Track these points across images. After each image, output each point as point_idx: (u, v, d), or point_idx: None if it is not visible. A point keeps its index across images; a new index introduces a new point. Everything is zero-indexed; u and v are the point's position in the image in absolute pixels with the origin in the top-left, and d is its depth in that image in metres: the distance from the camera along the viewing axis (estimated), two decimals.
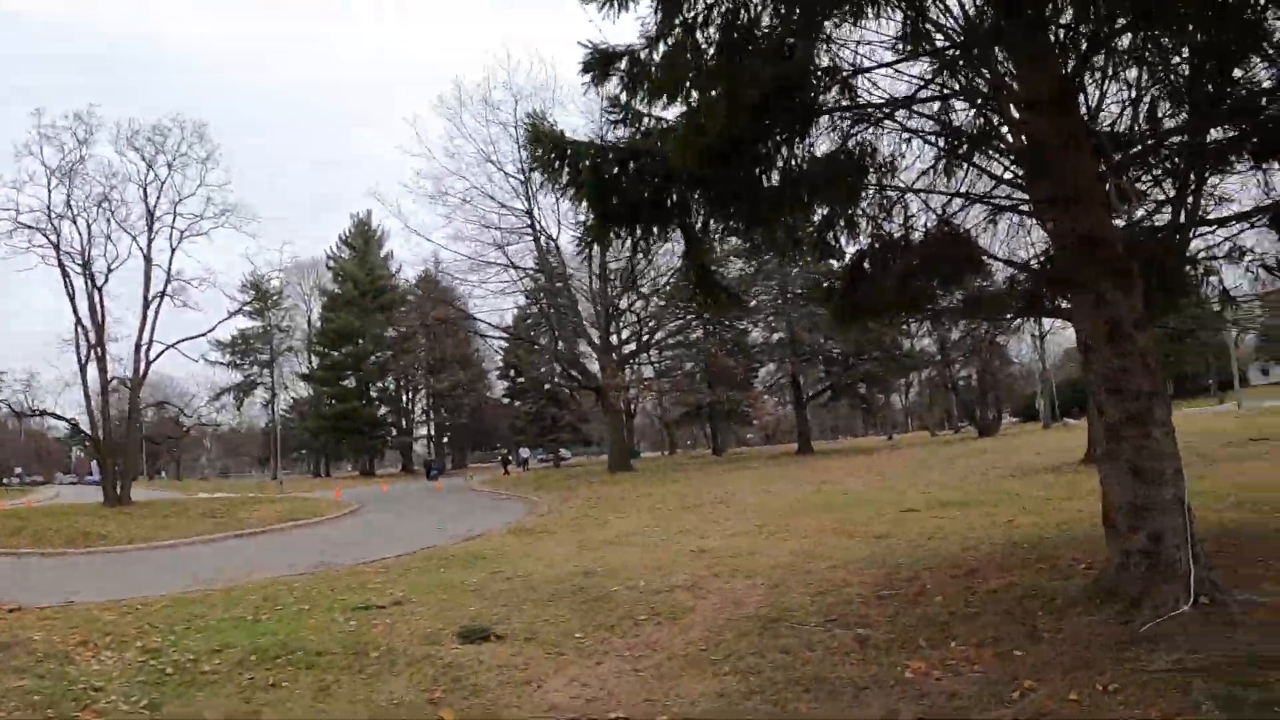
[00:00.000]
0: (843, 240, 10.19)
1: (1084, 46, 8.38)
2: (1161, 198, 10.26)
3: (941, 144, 9.92)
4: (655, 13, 7.92)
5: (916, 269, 9.94)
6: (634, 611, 10.25)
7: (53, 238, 34.69)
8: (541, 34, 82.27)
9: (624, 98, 8.59)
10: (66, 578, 16.68)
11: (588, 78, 8.42)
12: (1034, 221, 10.57)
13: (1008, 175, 10.25)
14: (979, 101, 9.61)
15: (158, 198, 37.25)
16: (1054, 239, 8.93)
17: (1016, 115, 9.00)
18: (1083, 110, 8.97)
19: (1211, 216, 10.10)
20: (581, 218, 8.99)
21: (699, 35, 7.65)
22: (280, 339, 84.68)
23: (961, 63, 9.05)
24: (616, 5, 8.07)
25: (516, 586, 12.45)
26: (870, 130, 9.33)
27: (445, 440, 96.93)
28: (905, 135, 9.71)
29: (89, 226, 35.56)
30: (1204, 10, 7.28)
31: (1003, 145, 9.97)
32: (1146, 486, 7.66)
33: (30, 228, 34.39)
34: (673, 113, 8.53)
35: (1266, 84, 8.67)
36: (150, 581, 15.22)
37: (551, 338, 55.62)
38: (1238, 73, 8.68)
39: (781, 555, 13.80)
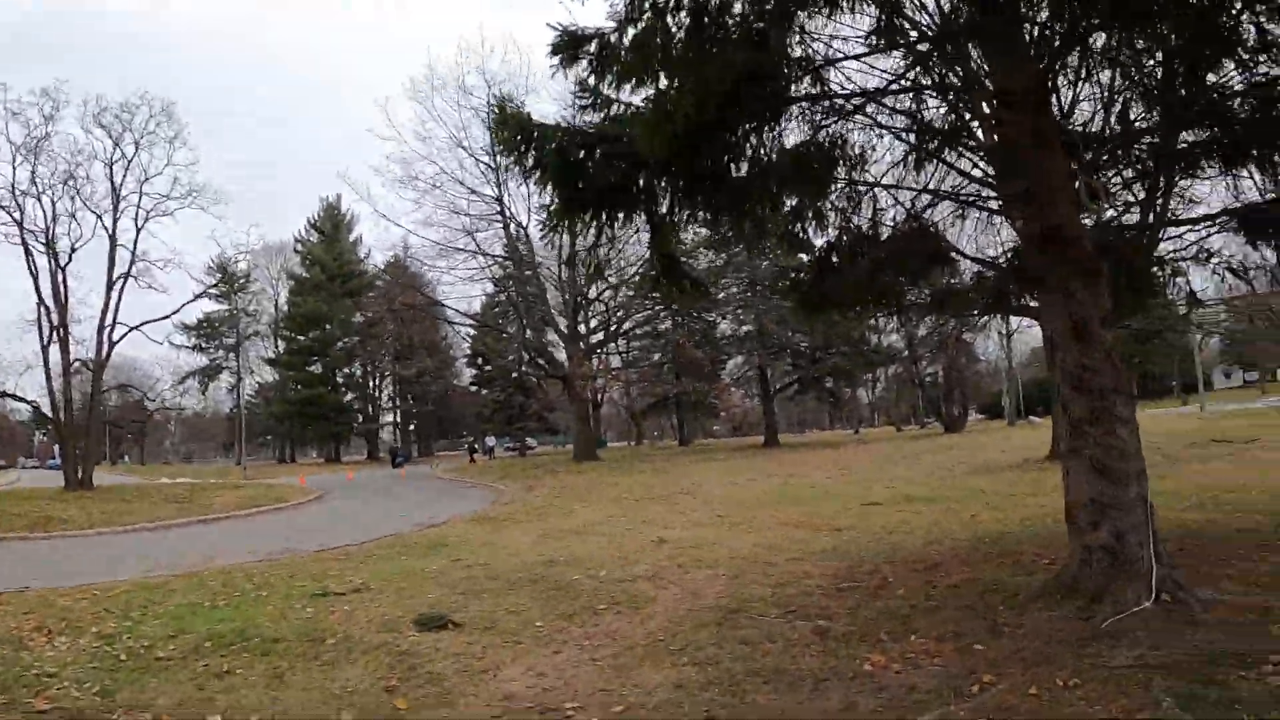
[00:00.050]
0: (811, 232, 10.14)
1: (1058, 44, 8.34)
2: (1131, 199, 10.31)
3: (912, 139, 9.87)
4: None
5: (884, 262, 9.92)
6: (594, 601, 10.18)
7: (16, 215, 34.26)
8: (517, 20, 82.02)
9: (592, 81, 8.47)
10: (25, 563, 16.42)
11: (556, 60, 8.28)
12: (1002, 220, 10.59)
13: (977, 173, 10.27)
14: (951, 97, 9.60)
15: (124, 176, 36.90)
16: (1023, 236, 8.91)
17: (989, 112, 8.99)
18: (1056, 110, 8.98)
19: (1181, 217, 10.11)
20: (546, 201, 8.85)
21: (669, 19, 7.52)
22: (246, 323, 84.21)
23: (935, 58, 9.00)
24: None
25: (477, 574, 12.33)
26: (841, 124, 9.25)
27: (411, 428, 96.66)
28: (877, 130, 9.68)
29: (54, 204, 35.20)
30: (1177, 12, 7.27)
31: (973, 143, 9.96)
32: (1109, 484, 7.66)
33: None
34: (641, 98, 8.42)
35: (1239, 87, 8.64)
36: (110, 567, 15.00)
37: (519, 326, 55.42)
38: (1211, 77, 8.66)
39: (744, 547, 13.79)
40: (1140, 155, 9.95)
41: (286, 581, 12.28)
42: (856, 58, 8.60)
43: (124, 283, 36.54)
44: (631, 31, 7.79)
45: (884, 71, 9.09)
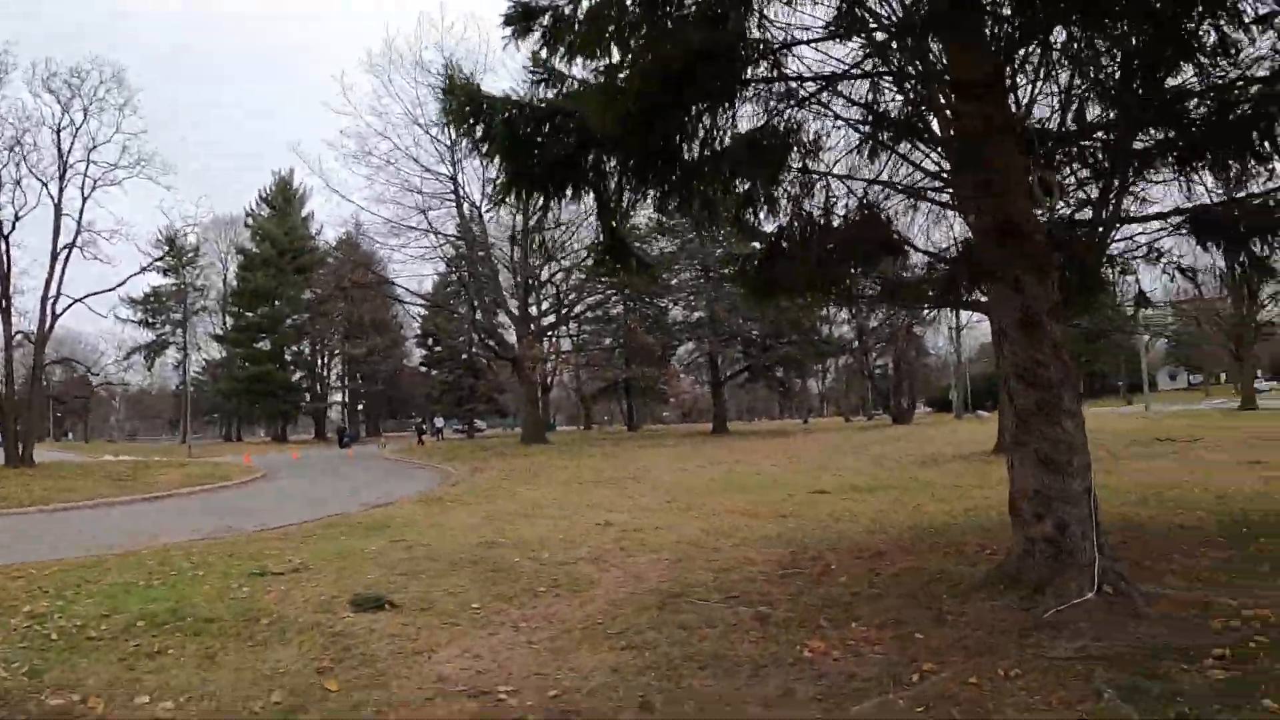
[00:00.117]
0: (762, 217, 10.06)
1: (1017, 37, 8.31)
2: (1085, 197, 10.34)
3: (867, 129, 9.79)
4: None
5: (835, 249, 9.87)
6: (534, 583, 10.06)
7: None
8: None
9: (545, 55, 8.32)
10: None
11: (509, 32, 8.13)
12: (955, 215, 10.59)
13: (930, 166, 10.29)
14: (908, 88, 9.56)
15: (71, 143, 36.19)
16: (975, 229, 8.90)
17: (946, 103, 8.98)
18: (1014, 107, 8.99)
19: (1133, 215, 10.14)
20: (493, 175, 8.70)
21: None
22: (194, 298, 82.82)
23: (893, 48, 8.93)
24: None
25: (418, 555, 12.16)
26: (797, 110, 9.15)
27: (360, 408, 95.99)
28: (832, 118, 9.63)
29: None
30: (1138, 14, 7.28)
31: (927, 135, 9.96)
32: (1054, 476, 7.68)
33: None
34: (593, 72, 8.27)
35: (1196, 89, 8.64)
36: (48, 545, 14.69)
37: (470, 307, 55.06)
38: (1172, 81, 8.66)
39: (689, 532, 13.73)
40: (1095, 153, 9.97)
41: (225, 561, 12.02)
42: (815, 41, 8.50)
43: (69, 253, 35.92)
44: (586, 3, 7.65)
45: (841, 60, 9.01)
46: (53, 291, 35.22)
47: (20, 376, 35.45)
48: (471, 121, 8.23)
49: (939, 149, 9.83)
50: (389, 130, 50.04)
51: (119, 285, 41.47)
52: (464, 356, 72.91)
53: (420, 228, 48.40)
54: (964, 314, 60.00)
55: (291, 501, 23.10)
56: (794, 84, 8.84)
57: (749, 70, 8.31)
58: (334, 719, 5.92)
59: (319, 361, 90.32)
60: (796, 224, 9.93)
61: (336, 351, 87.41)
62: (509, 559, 11.60)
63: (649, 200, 9.13)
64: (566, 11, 7.82)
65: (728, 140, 8.69)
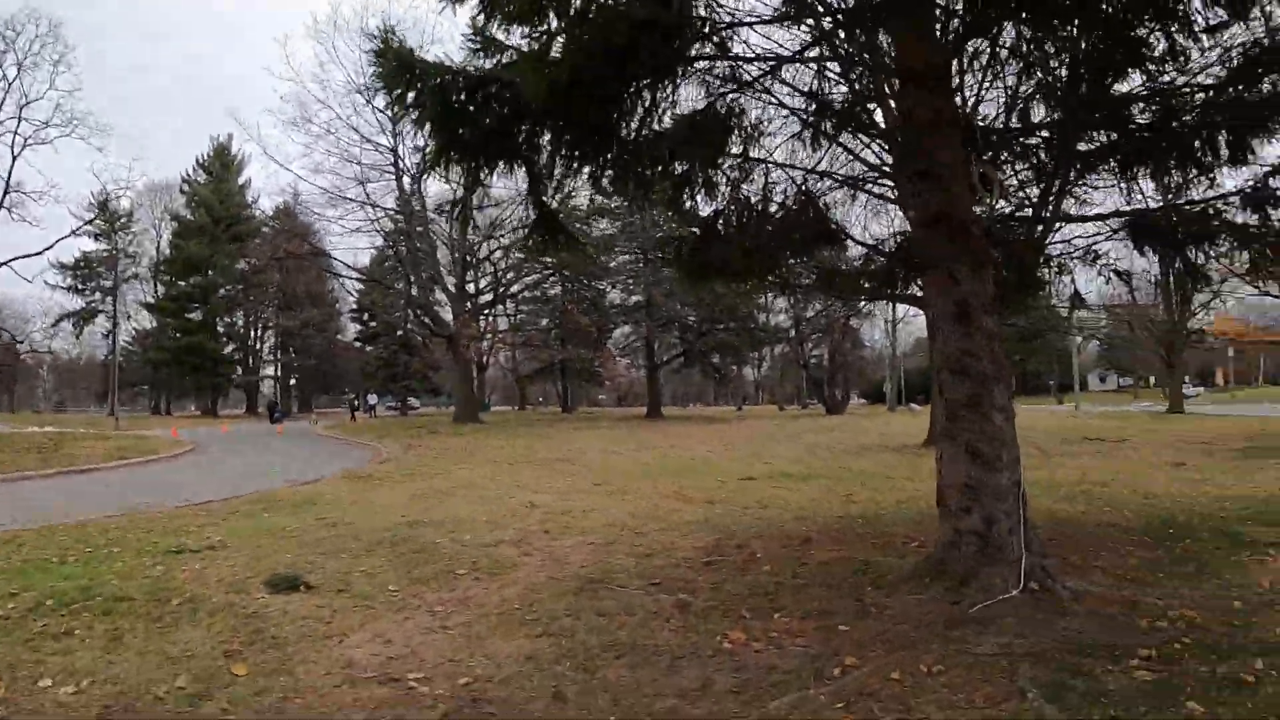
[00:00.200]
0: (699, 199, 9.92)
1: (964, 30, 8.26)
2: (1025, 196, 10.38)
3: (810, 116, 9.67)
4: None
5: (772, 235, 9.78)
6: (454, 565, 9.86)
7: None
8: None
9: (483, 22, 8.04)
10: None
11: None
12: (895, 209, 10.57)
13: (871, 158, 10.24)
14: (854, 76, 9.46)
15: (2, 99, 35.16)
16: (914, 221, 8.81)
17: (891, 92, 8.91)
18: (960, 105, 8.93)
19: (1073, 216, 10.15)
20: (421, 142, 8.44)
21: None
22: (126, 264, 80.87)
23: (840, 36, 8.80)
24: None
25: (339, 534, 11.92)
26: (740, 94, 9.03)
27: (293, 382, 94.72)
28: (775, 104, 9.49)
29: None
30: (1088, 16, 7.24)
31: (871, 125, 9.91)
32: (982, 469, 7.61)
33: None
34: (526, 39, 8.02)
35: (1142, 93, 8.62)
36: None
37: (407, 281, 54.53)
38: (1120, 87, 8.65)
39: (616, 515, 13.62)
40: (1038, 152, 9.99)
41: (142, 537, 11.66)
42: (762, 22, 8.37)
43: None
44: None
45: (786, 47, 8.92)
46: None
47: None
48: (403, 88, 7.96)
49: (881, 141, 9.78)
50: (330, 99, 49.47)
51: (47, 249, 40.56)
52: (399, 333, 72.28)
53: (358, 199, 47.79)
54: (900, 308, 60.82)
55: (217, 477, 22.57)
56: (738, 65, 8.73)
57: (693, 48, 8.14)
58: (238, 705, 5.70)
59: (252, 334, 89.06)
60: (734, 208, 9.86)
61: (270, 324, 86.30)
62: (431, 539, 11.39)
63: (583, 177, 8.90)
64: None
65: (667, 120, 8.56)
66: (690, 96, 8.78)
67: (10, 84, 34.87)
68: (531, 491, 17.29)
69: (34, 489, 20.36)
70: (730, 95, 8.94)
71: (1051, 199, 9.64)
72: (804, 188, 9.99)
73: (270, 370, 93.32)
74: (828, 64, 9.31)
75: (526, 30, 7.74)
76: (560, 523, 12.86)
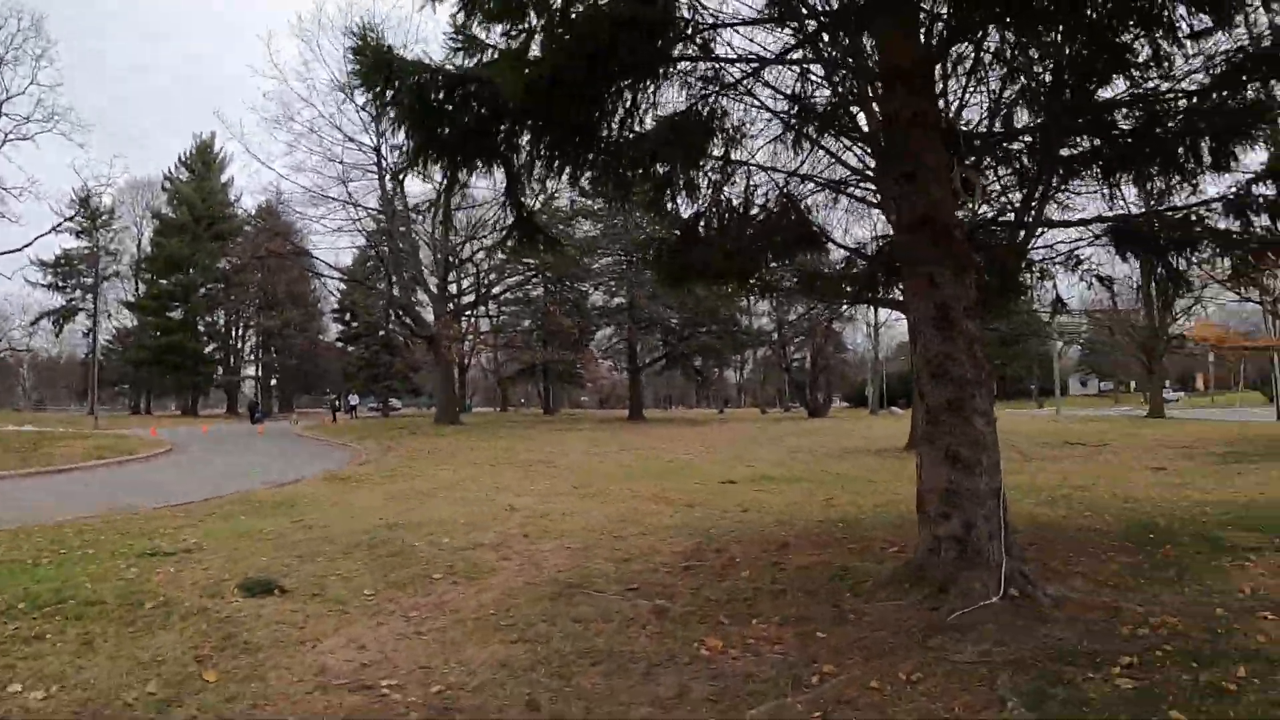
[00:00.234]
0: (680, 201, 9.88)
1: (947, 33, 8.26)
2: (1008, 201, 10.39)
3: (793, 119, 9.64)
4: None
5: (753, 238, 9.77)
6: (431, 569, 9.76)
7: None
8: None
9: (463, 20, 7.96)
10: None
11: None
12: (877, 212, 10.58)
13: (853, 161, 10.27)
14: (837, 80, 9.46)
15: None
16: (896, 223, 8.79)
17: (874, 95, 8.88)
18: (944, 109, 8.96)
19: (1055, 221, 10.15)
20: (397, 141, 8.35)
21: None
22: (107, 262, 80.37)
23: (824, 38, 8.78)
24: None
25: (316, 537, 11.80)
26: (723, 96, 9.00)
27: (274, 382, 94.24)
28: (757, 106, 9.52)
29: None
30: (1072, 21, 7.22)
31: (854, 129, 9.88)
32: (962, 474, 7.56)
33: None
34: (506, 39, 7.94)
35: (1125, 98, 8.61)
36: None
37: (388, 282, 54.33)
38: (1104, 93, 8.65)
39: (595, 519, 13.54)
40: (1021, 157, 9.99)
41: (118, 539, 11.50)
42: (745, 24, 8.35)
43: None
44: None
45: (769, 49, 8.88)
46: None
47: None
48: (382, 85, 7.87)
49: (864, 144, 9.76)
50: (314, 97, 49.32)
51: (27, 245, 40.23)
52: (381, 333, 72.03)
53: (341, 199, 47.67)
54: (882, 312, 61.06)
55: (196, 478, 22.42)
56: (721, 67, 8.68)
57: (676, 48, 8.09)
58: (207, 712, 5.60)
59: (233, 333, 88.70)
60: (715, 210, 9.84)
61: (251, 323, 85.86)
62: (408, 542, 11.29)
63: (563, 178, 8.84)
64: None
65: (649, 121, 8.51)
66: (672, 98, 8.76)
67: None
68: (512, 494, 17.21)
69: (10, 489, 20.14)
70: (713, 97, 8.90)
71: (1034, 204, 9.63)
72: (786, 190, 9.99)
73: (251, 370, 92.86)
74: (811, 66, 9.30)
75: (506, 28, 7.66)
76: (539, 526, 12.77)
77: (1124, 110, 8.81)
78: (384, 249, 52.48)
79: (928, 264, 7.85)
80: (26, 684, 6.02)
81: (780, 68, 9.13)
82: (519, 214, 9.12)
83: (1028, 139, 9.63)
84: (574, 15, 7.02)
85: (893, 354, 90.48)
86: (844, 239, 10.92)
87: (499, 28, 7.75)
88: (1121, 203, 9.74)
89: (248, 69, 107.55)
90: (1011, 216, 10.07)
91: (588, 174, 8.76)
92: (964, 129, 9.33)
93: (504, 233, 9.64)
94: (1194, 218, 9.46)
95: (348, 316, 79.49)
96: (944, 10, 8.05)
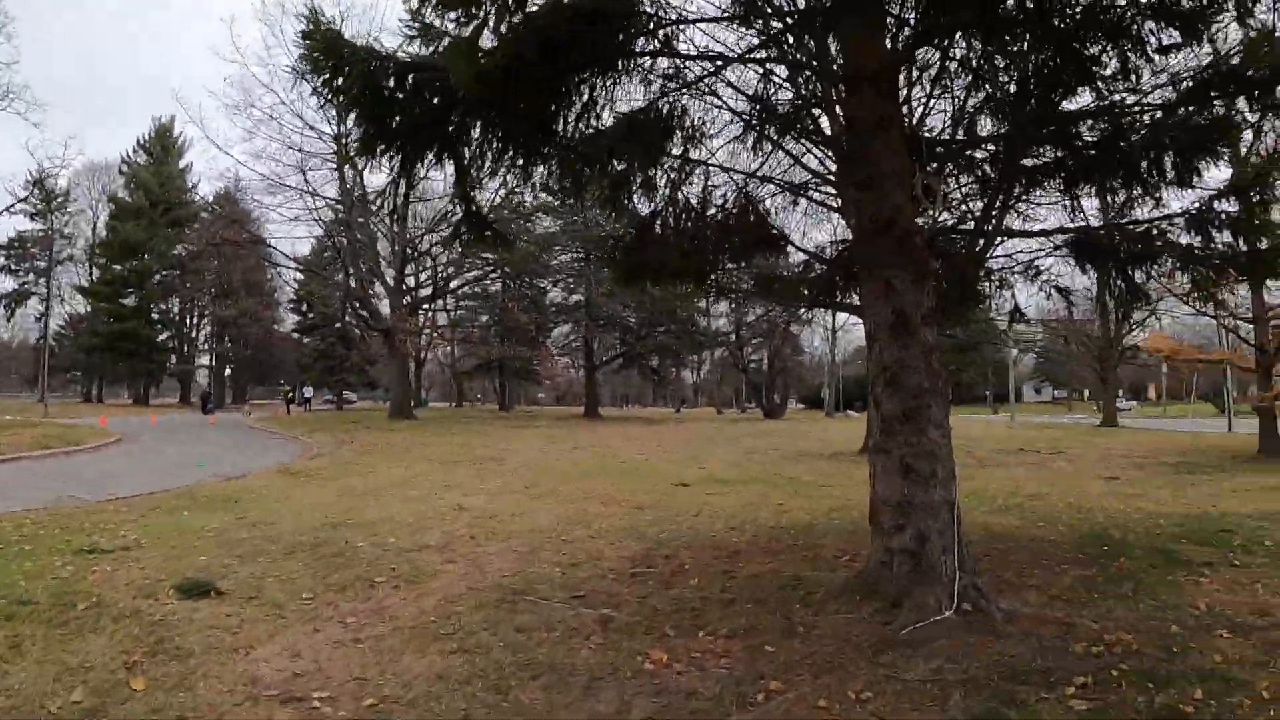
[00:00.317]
0: (637, 199, 9.73)
1: (913, 38, 8.17)
2: (969, 210, 10.38)
3: (754, 120, 9.52)
4: None
5: (710, 238, 9.66)
6: (373, 571, 9.52)
7: None
8: None
9: (418, 7, 7.75)
10: None
11: None
12: (836, 216, 10.51)
13: (813, 164, 10.29)
14: (800, 81, 9.39)
15: None
16: (855, 227, 8.76)
17: (837, 97, 8.82)
18: (906, 112, 8.86)
19: (1016, 230, 10.11)
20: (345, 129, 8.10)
21: None
22: (61, 246, 79.13)
23: (789, 39, 8.66)
24: None
25: (258, 535, 11.52)
26: (683, 94, 8.84)
27: (228, 372, 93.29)
28: (718, 105, 9.41)
29: None
30: (1040, 31, 7.18)
31: (815, 131, 9.85)
32: (916, 486, 7.45)
33: None
34: (458, 23, 7.73)
35: (1092, 109, 8.55)
36: None
37: (345, 273, 53.88)
38: (1069, 105, 8.60)
39: (544, 520, 13.35)
40: (983, 166, 9.95)
41: (56, 535, 11.17)
42: (709, 20, 8.20)
43: None
44: None
45: (732, 48, 8.77)
46: None
47: None
48: (330, 72, 7.62)
49: (825, 147, 9.74)
50: (275, 83, 48.63)
51: None
52: (337, 325, 71.35)
53: (299, 188, 47.13)
54: (840, 315, 61.29)
55: (143, 470, 21.99)
56: (683, 64, 8.53)
57: (637, 43, 7.91)
58: None
59: (187, 321, 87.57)
60: (672, 210, 9.71)
61: (206, 312, 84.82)
62: (352, 543, 11.07)
63: (515, 172, 8.62)
64: None
65: (607, 117, 8.35)
66: (631, 94, 8.58)
67: None
68: (462, 493, 17.00)
69: None
70: (673, 94, 8.75)
71: (995, 213, 9.60)
72: (745, 191, 9.87)
73: (205, 359, 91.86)
74: (774, 67, 9.19)
75: (458, 15, 7.45)
76: (487, 527, 12.55)
77: (1089, 122, 8.75)
78: (342, 240, 52.03)
79: (886, 269, 7.73)
80: None
81: (743, 67, 9.03)
82: (468, 208, 8.91)
83: (991, 147, 9.58)
84: (531, 5, 6.83)
85: (850, 357, 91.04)
86: (803, 242, 10.90)
87: (451, 15, 7.55)
88: (1083, 215, 9.75)
89: (209, 51, 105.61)
90: (972, 225, 10.05)
91: (542, 169, 8.57)
92: (927, 135, 9.29)
93: (454, 230, 9.46)
94: (1155, 232, 9.47)
95: (304, 307, 78.60)
96: (911, 15, 7.99)
